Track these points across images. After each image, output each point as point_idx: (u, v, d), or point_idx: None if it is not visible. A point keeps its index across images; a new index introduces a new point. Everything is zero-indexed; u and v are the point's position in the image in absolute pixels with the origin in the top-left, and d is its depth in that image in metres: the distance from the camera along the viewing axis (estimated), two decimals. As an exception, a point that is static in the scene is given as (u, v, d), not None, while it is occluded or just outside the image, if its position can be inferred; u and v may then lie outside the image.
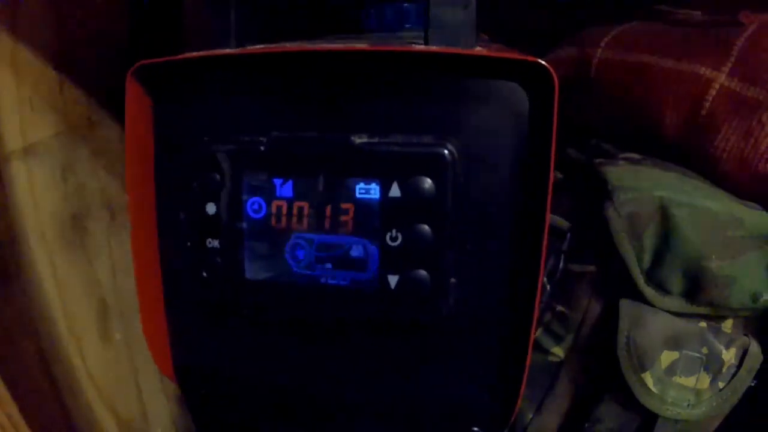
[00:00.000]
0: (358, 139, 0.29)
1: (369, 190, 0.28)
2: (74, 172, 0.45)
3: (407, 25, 0.46)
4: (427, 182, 0.28)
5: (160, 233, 0.34)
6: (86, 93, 0.45)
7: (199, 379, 0.36)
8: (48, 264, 0.43)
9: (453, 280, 0.30)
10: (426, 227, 0.28)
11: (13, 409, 0.37)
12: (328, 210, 0.29)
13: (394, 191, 0.28)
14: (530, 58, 0.27)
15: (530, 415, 0.44)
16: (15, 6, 0.39)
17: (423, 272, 0.29)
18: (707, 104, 0.40)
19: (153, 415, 0.54)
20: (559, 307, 0.42)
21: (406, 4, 0.46)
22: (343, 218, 0.29)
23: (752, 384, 0.39)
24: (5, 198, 0.40)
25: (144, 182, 0.33)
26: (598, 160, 0.42)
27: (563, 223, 0.41)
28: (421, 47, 0.28)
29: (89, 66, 0.45)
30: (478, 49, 0.28)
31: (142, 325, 0.34)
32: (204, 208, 0.30)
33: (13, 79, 0.40)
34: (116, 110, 0.48)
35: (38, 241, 0.43)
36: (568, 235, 0.40)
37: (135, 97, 0.31)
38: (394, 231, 0.29)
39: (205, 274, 0.31)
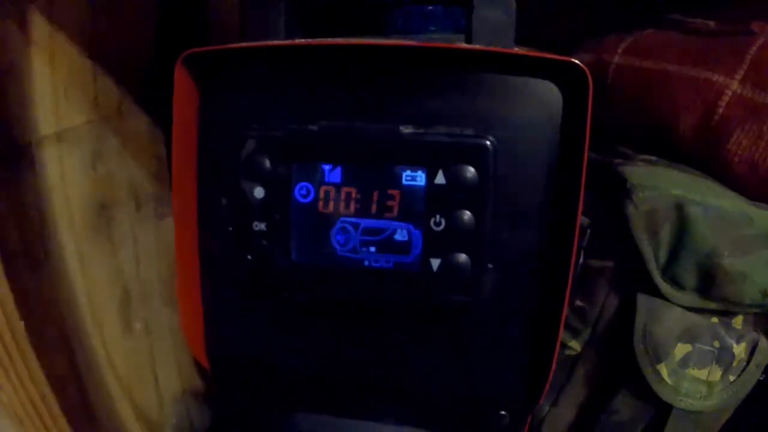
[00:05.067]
0: (406, 129, 0.30)
1: (415, 177, 0.30)
2: (103, 161, 0.46)
3: (431, 27, 0.47)
4: (470, 171, 0.30)
5: (200, 218, 0.34)
6: (117, 83, 0.46)
7: (234, 364, 0.36)
8: (75, 251, 0.44)
9: (490, 265, 0.31)
10: (468, 213, 0.30)
11: (47, 389, 0.38)
12: (375, 195, 0.30)
13: (439, 179, 0.30)
14: (567, 59, 0.29)
15: (547, 407, 0.45)
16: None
17: (464, 255, 0.30)
18: (720, 110, 0.42)
19: (169, 405, 0.54)
20: (578, 302, 0.43)
21: (430, 7, 0.47)
22: (389, 203, 0.30)
23: (761, 378, 0.41)
24: (37, 182, 0.41)
25: (187, 168, 0.34)
26: (617, 161, 0.43)
27: (583, 220, 0.42)
28: (466, 45, 0.30)
29: (120, 57, 0.46)
30: (518, 49, 0.30)
31: (180, 311, 0.34)
32: (252, 192, 0.31)
33: (49, 66, 0.40)
34: (145, 102, 0.49)
35: (67, 228, 0.43)
36: (588, 231, 0.41)
37: (182, 85, 0.32)
38: (437, 216, 0.30)
39: (250, 257, 0.31)
